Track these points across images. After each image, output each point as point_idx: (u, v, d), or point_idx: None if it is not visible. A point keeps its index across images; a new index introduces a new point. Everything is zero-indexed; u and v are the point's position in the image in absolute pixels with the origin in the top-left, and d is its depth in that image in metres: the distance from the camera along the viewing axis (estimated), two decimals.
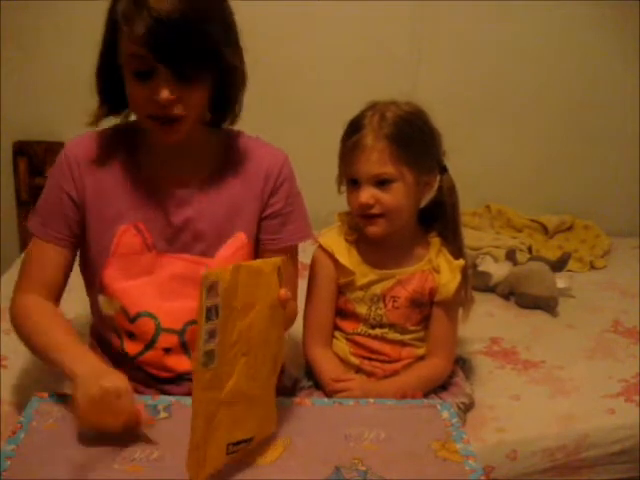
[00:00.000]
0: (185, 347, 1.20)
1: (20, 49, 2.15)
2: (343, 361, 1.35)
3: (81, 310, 1.55)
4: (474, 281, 1.99)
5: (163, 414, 1.04)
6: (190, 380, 1.19)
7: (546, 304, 1.91)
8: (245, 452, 0.95)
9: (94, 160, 1.17)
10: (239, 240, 1.20)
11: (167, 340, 1.18)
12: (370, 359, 1.34)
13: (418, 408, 1.12)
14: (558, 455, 1.37)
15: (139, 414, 0.97)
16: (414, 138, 1.26)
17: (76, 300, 1.30)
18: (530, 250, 2.22)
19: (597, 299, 2.01)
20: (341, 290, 1.35)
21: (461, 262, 1.31)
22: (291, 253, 1.25)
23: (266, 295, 0.94)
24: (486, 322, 1.84)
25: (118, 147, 1.18)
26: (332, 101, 2.05)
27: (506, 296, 2.01)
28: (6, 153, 2.23)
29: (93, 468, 0.91)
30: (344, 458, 0.96)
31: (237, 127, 1.22)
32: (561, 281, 1.97)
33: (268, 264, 0.95)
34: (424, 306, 1.33)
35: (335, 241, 1.34)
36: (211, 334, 0.85)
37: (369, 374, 1.33)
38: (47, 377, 1.39)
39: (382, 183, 1.24)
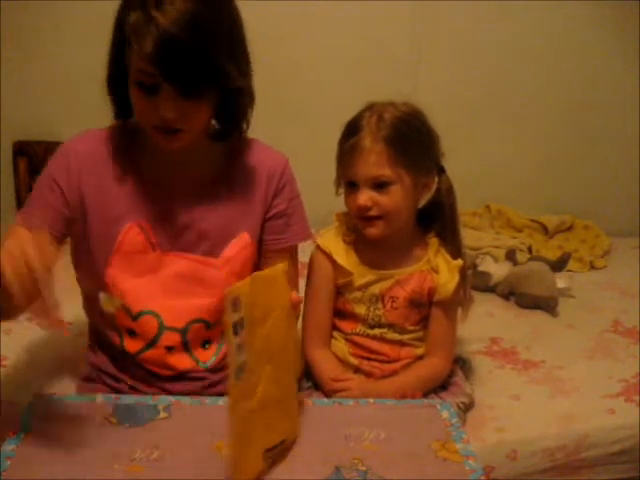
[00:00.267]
0: (187, 346, 1.20)
1: (20, 49, 2.15)
2: (342, 361, 1.35)
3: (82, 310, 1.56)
4: (474, 281, 2.00)
5: (163, 414, 1.04)
6: (192, 379, 1.21)
7: (546, 304, 1.91)
8: (277, 458, 0.95)
9: (95, 157, 1.16)
10: (243, 240, 1.20)
11: (169, 338, 1.18)
12: (369, 359, 1.34)
13: (418, 408, 1.12)
14: (558, 455, 1.37)
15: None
16: (412, 140, 1.26)
17: (78, 300, 1.30)
18: (530, 250, 2.22)
19: (597, 299, 2.01)
20: (339, 291, 1.35)
21: (459, 262, 1.31)
22: (292, 253, 1.27)
23: (281, 301, 0.95)
24: (486, 322, 1.84)
25: (120, 146, 1.18)
26: (332, 101, 2.05)
27: (506, 296, 2.01)
28: (6, 153, 2.23)
29: (93, 468, 0.91)
30: (344, 458, 0.96)
31: None
32: (561, 281, 1.97)
33: (278, 271, 0.96)
34: (423, 306, 1.33)
35: (333, 242, 1.34)
36: (240, 347, 0.86)
37: (368, 374, 1.33)
38: (47, 377, 1.40)
39: (380, 185, 1.24)
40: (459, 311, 1.37)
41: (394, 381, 1.30)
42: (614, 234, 2.45)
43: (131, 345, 1.19)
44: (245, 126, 1.18)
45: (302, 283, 1.35)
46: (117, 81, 1.10)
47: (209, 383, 1.22)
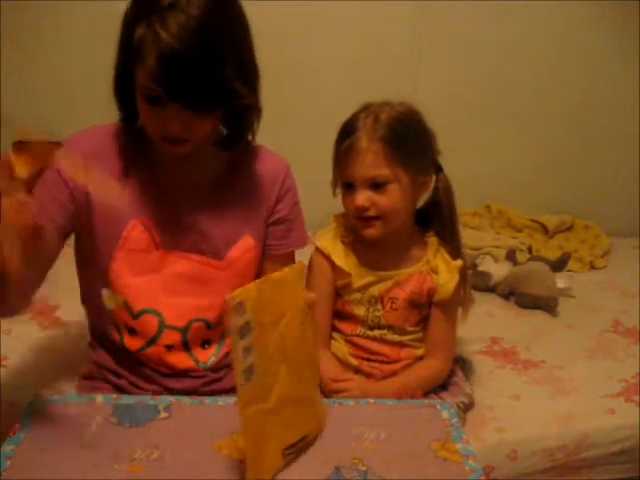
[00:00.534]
0: (187, 345, 1.20)
1: (20, 49, 2.15)
2: (342, 362, 1.35)
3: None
4: (474, 281, 2.01)
5: (163, 414, 1.04)
6: (192, 377, 1.21)
7: (546, 304, 1.92)
8: (301, 451, 0.96)
9: (101, 153, 1.16)
10: (246, 243, 1.21)
11: (170, 337, 1.18)
12: (369, 360, 1.34)
13: (418, 408, 1.12)
14: (558, 455, 1.37)
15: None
16: (409, 139, 1.25)
17: (78, 299, 1.30)
18: (530, 250, 2.22)
19: (597, 299, 2.01)
20: (338, 292, 1.35)
21: (459, 262, 1.31)
22: (291, 258, 1.28)
23: (294, 303, 0.95)
24: (486, 322, 1.84)
25: (126, 144, 1.18)
26: (331, 101, 2.04)
27: (506, 296, 2.01)
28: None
29: (93, 468, 0.91)
30: (344, 458, 0.96)
31: None
32: (561, 281, 1.97)
33: (292, 272, 0.96)
34: (423, 307, 1.33)
35: (331, 243, 1.33)
36: (247, 351, 0.86)
37: (368, 375, 1.33)
38: (47, 377, 1.40)
39: (378, 185, 1.24)
40: (459, 311, 1.37)
41: (394, 382, 1.30)
42: (614, 234, 2.45)
43: (131, 343, 1.20)
44: (250, 137, 1.19)
45: None
46: (124, 88, 1.09)
47: (209, 380, 1.22)
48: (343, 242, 1.34)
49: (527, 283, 1.94)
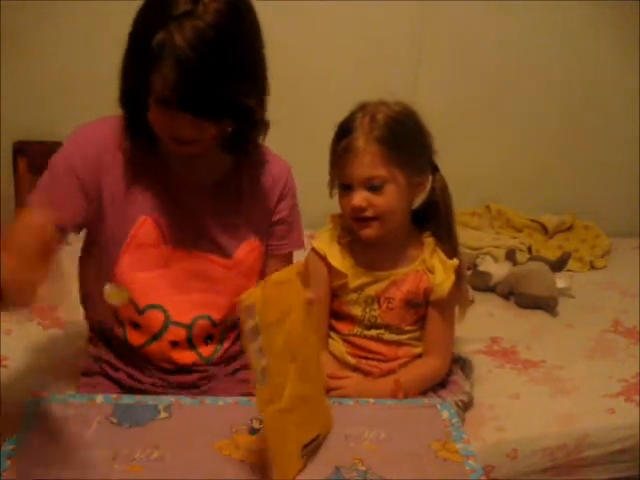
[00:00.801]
0: (191, 342, 1.21)
1: (20, 49, 2.15)
2: (340, 360, 1.35)
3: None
4: (474, 281, 2.01)
5: (163, 414, 1.04)
6: (196, 372, 1.22)
7: (546, 304, 1.92)
8: (315, 450, 0.97)
9: (111, 147, 1.16)
10: (252, 243, 1.22)
11: (175, 333, 1.19)
12: (367, 358, 1.34)
13: (418, 408, 1.13)
14: (558, 454, 1.37)
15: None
16: (405, 139, 1.25)
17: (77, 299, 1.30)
18: (530, 250, 2.22)
19: (597, 299, 2.01)
20: (335, 293, 1.35)
21: (455, 262, 1.31)
22: (290, 259, 1.30)
23: (296, 301, 0.96)
24: (486, 322, 1.85)
25: (138, 140, 1.17)
26: (331, 101, 2.04)
27: (506, 296, 2.01)
28: (6, 153, 2.22)
29: (93, 468, 0.91)
30: (344, 458, 0.96)
31: None
32: (561, 281, 1.97)
33: (291, 271, 0.97)
34: (419, 306, 1.33)
35: (328, 244, 1.33)
36: (260, 352, 0.87)
37: (366, 373, 1.34)
38: (47, 377, 1.40)
39: (374, 186, 1.24)
40: (456, 311, 1.37)
41: (391, 380, 1.30)
42: (614, 234, 2.45)
43: (134, 337, 1.20)
44: (256, 145, 1.19)
45: None
46: (132, 91, 1.08)
47: (207, 375, 1.23)
48: (339, 243, 1.34)
49: (527, 283, 1.94)
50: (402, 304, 1.31)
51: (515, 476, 1.35)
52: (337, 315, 1.36)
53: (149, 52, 0.99)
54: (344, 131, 1.26)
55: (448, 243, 1.33)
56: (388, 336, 1.33)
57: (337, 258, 1.32)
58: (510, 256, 2.08)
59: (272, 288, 0.91)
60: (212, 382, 1.24)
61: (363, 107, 1.27)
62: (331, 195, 1.31)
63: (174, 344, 1.20)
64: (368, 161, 1.22)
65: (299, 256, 1.33)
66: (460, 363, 1.48)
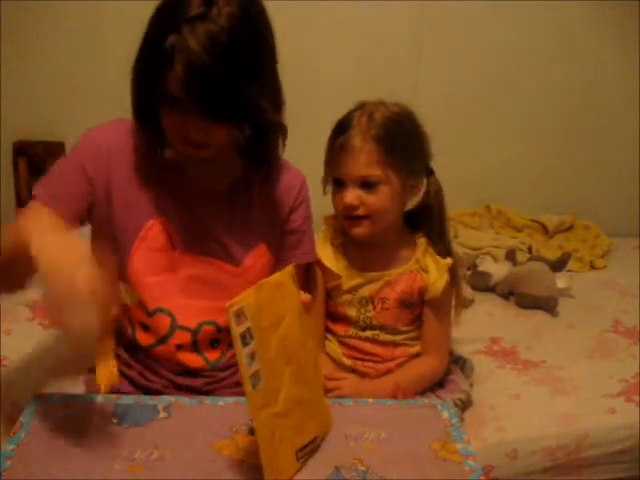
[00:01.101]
0: (196, 345, 1.21)
1: (20, 49, 2.15)
2: (336, 362, 1.35)
3: None
4: (474, 281, 2.01)
5: (163, 414, 1.04)
6: (203, 376, 1.22)
7: (546, 304, 1.92)
8: (313, 452, 0.97)
9: (124, 149, 1.16)
10: (261, 250, 1.22)
11: (180, 337, 1.19)
12: (363, 360, 1.35)
13: (418, 408, 1.12)
14: (558, 454, 1.37)
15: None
16: (402, 141, 1.25)
17: None
18: (530, 250, 2.22)
19: (597, 299, 2.01)
20: (329, 294, 1.35)
21: (448, 261, 1.31)
22: (303, 271, 1.28)
23: (291, 304, 0.95)
24: (486, 322, 1.85)
25: (148, 145, 1.18)
26: (331, 101, 2.04)
27: (506, 296, 2.01)
28: (6, 153, 2.23)
29: (93, 468, 0.91)
30: (344, 458, 0.96)
31: None
32: (561, 281, 1.97)
33: (285, 275, 0.97)
34: (414, 306, 1.33)
35: (321, 246, 1.34)
36: (251, 357, 0.87)
37: (363, 374, 1.34)
38: (47, 377, 1.40)
39: (368, 185, 1.24)
40: (452, 311, 1.37)
41: (388, 380, 1.31)
42: (614, 234, 2.45)
43: (143, 338, 1.21)
44: (277, 154, 1.18)
45: None
46: (144, 97, 1.08)
47: (215, 380, 1.23)
48: (333, 244, 1.34)
49: (527, 283, 1.94)
50: (396, 304, 1.32)
51: (515, 476, 1.35)
52: (332, 316, 1.36)
53: (162, 55, 0.99)
54: (341, 128, 1.26)
55: (440, 245, 1.33)
56: (383, 337, 1.34)
57: (330, 259, 1.32)
58: (510, 256, 2.08)
59: (266, 292, 0.90)
60: (219, 388, 1.23)
61: (362, 106, 1.27)
62: (324, 192, 1.31)
63: (179, 347, 1.20)
64: (363, 160, 1.22)
65: None
66: (460, 363, 1.48)
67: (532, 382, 1.55)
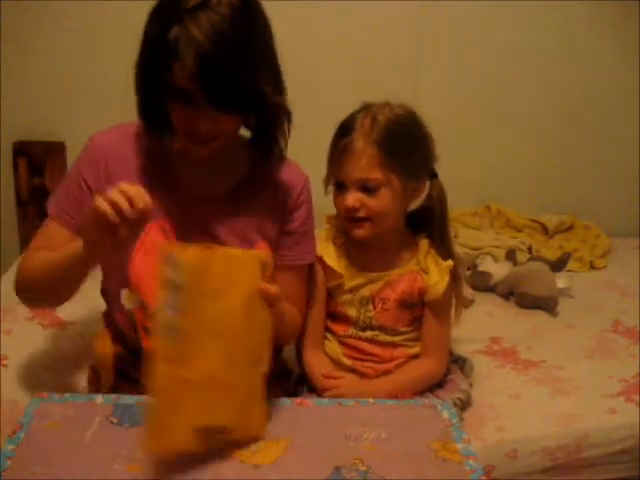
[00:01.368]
0: None
1: (20, 49, 2.15)
2: (335, 362, 1.35)
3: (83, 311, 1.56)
4: (474, 281, 2.01)
5: None
6: None
7: (546, 304, 1.91)
8: (224, 443, 0.95)
9: (120, 154, 1.18)
10: (261, 249, 1.21)
11: None
12: (362, 360, 1.34)
13: (418, 408, 1.13)
14: (558, 454, 1.37)
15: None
16: (405, 144, 1.25)
17: (79, 301, 1.30)
18: (530, 250, 2.22)
19: (597, 299, 2.01)
20: (330, 293, 1.35)
21: (450, 263, 1.31)
22: (299, 273, 1.27)
23: (244, 284, 0.95)
24: (486, 322, 1.85)
25: (145, 145, 1.19)
26: (331, 101, 2.04)
27: (506, 296, 2.01)
28: (6, 153, 2.22)
29: (93, 468, 0.91)
30: (344, 458, 0.96)
31: None
32: (561, 281, 1.97)
33: (250, 256, 0.97)
34: (414, 307, 1.33)
35: (323, 245, 1.33)
36: (173, 308, 0.86)
37: (362, 374, 1.34)
38: (47, 377, 1.40)
39: (369, 188, 1.23)
40: (452, 312, 1.37)
41: (387, 380, 1.31)
42: (614, 234, 2.45)
43: (146, 341, 1.20)
44: (283, 143, 1.19)
45: None
46: (149, 93, 1.09)
47: None
48: (335, 243, 1.34)
49: (527, 283, 1.94)
50: (396, 305, 1.31)
51: (515, 476, 1.35)
52: (333, 316, 1.36)
53: (166, 47, 1.00)
54: (344, 130, 1.26)
55: (442, 247, 1.33)
56: (383, 337, 1.34)
57: (333, 258, 1.32)
58: (510, 256, 2.08)
59: (219, 260, 0.90)
60: None
61: (366, 107, 1.27)
62: (326, 192, 1.31)
63: None
64: (365, 163, 1.22)
65: None
66: (460, 363, 1.48)
67: (532, 382, 1.55)
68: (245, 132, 1.18)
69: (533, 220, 2.46)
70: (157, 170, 1.18)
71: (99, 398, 1.07)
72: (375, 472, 0.94)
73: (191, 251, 0.88)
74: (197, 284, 0.88)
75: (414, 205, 1.31)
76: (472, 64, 2.39)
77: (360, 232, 1.28)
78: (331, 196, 1.30)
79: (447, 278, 1.30)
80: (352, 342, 1.35)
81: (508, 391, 1.50)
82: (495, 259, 2.09)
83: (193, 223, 1.18)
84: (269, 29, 1.10)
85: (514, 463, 1.34)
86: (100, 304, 1.33)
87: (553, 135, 2.51)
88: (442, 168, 1.34)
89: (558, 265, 2.04)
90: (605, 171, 2.56)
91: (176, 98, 1.05)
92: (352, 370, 1.34)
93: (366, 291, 1.32)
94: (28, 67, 2.18)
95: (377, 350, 1.34)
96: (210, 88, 1.01)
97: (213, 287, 0.90)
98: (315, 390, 1.32)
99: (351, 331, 1.34)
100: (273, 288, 0.98)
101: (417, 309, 1.33)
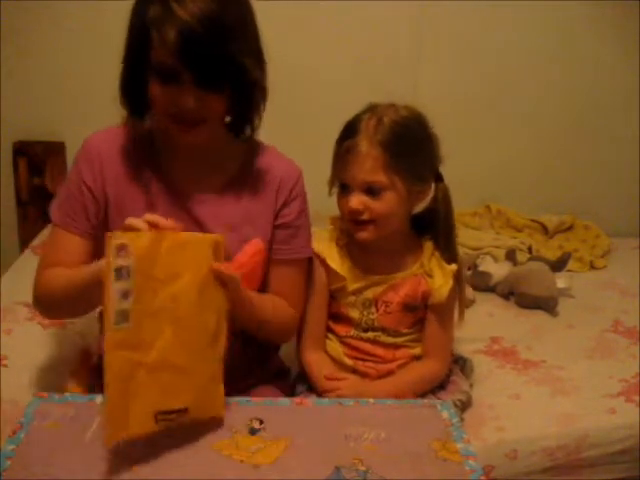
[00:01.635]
0: None
1: (20, 49, 2.15)
2: (337, 362, 1.35)
3: None
4: (474, 281, 2.01)
5: None
6: None
7: (546, 304, 1.91)
8: (181, 424, 0.96)
9: (114, 154, 1.19)
10: (256, 245, 1.21)
11: None
12: (364, 360, 1.34)
13: (418, 408, 1.12)
14: (558, 454, 1.37)
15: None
16: (409, 147, 1.24)
17: None
18: (530, 250, 2.22)
19: (597, 299, 2.01)
20: (333, 295, 1.34)
21: (454, 267, 1.30)
22: (296, 267, 1.27)
23: (196, 268, 0.95)
24: (486, 322, 1.85)
25: (140, 146, 1.20)
26: (332, 101, 2.04)
27: (506, 296, 2.01)
28: (6, 153, 2.23)
29: (93, 468, 0.91)
30: (344, 458, 0.96)
31: None
32: (561, 281, 1.97)
33: (200, 239, 0.98)
34: (417, 309, 1.33)
35: (327, 246, 1.33)
36: (123, 294, 0.87)
37: (364, 375, 1.34)
38: (47, 377, 1.40)
39: (373, 191, 1.23)
40: (455, 315, 1.37)
41: (388, 382, 1.31)
42: (614, 234, 2.45)
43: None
44: (257, 121, 1.19)
45: None
46: (132, 77, 1.11)
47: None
48: (338, 245, 1.33)
49: (527, 283, 1.94)
50: (400, 308, 1.31)
51: (515, 476, 1.35)
52: (335, 317, 1.36)
53: (149, 25, 1.03)
54: (349, 131, 1.24)
55: (447, 250, 1.32)
56: (385, 338, 1.33)
57: (336, 261, 1.32)
58: (510, 256, 2.08)
59: (168, 245, 0.91)
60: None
61: (371, 108, 1.25)
62: (330, 193, 1.30)
63: None
64: (369, 165, 1.21)
65: None
66: (460, 363, 1.48)
67: (532, 382, 1.55)
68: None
69: (533, 220, 2.46)
70: (148, 169, 1.19)
71: (99, 398, 1.07)
72: (375, 472, 0.94)
73: (139, 237, 0.89)
74: (147, 269, 0.88)
75: (419, 208, 1.30)
76: (472, 64, 2.39)
77: (364, 235, 1.27)
78: (334, 197, 1.30)
79: (451, 282, 1.30)
80: (353, 342, 1.35)
81: (508, 391, 1.50)
82: (495, 259, 2.09)
83: (188, 221, 1.18)
84: (251, 11, 1.13)
85: (514, 463, 1.34)
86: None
87: (553, 135, 2.51)
88: (442, 168, 1.33)
89: (558, 265, 2.04)
90: (605, 171, 2.56)
91: (160, 76, 1.06)
92: (353, 370, 1.34)
93: (369, 294, 1.32)
94: (28, 67, 2.18)
95: (379, 351, 1.34)
96: (192, 61, 1.03)
97: (163, 273, 0.91)
98: (315, 389, 1.32)
99: (353, 332, 1.34)
100: (217, 265, 0.99)
101: (420, 312, 1.33)
